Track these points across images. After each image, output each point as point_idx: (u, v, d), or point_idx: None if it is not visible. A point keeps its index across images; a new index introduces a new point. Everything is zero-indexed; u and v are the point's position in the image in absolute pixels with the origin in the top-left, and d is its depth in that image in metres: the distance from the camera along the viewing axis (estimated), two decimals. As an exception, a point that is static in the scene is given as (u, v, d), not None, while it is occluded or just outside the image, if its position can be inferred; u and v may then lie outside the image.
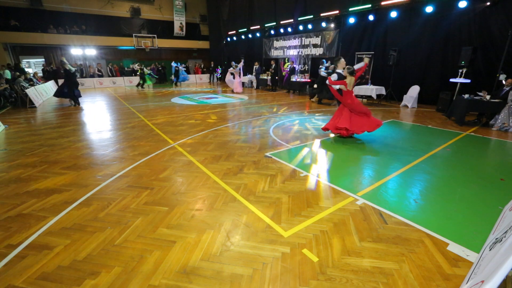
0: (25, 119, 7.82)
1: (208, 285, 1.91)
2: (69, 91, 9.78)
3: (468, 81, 7.56)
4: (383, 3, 9.75)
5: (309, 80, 12.87)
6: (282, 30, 14.67)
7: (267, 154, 4.58)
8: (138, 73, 17.37)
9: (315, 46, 13.10)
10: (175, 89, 16.13)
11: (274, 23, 15.00)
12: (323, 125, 5.76)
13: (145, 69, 16.72)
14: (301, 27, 13.62)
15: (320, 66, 10.17)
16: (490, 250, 1.82)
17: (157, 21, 21.13)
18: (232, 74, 13.98)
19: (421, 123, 6.88)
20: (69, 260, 2.15)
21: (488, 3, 7.58)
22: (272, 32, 15.58)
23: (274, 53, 15.88)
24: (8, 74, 11.33)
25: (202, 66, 23.25)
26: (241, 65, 13.71)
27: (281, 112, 8.41)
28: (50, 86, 13.56)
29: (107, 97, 12.61)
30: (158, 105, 10.11)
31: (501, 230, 2.02)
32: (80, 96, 10.38)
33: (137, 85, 17.17)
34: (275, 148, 4.89)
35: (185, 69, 19.25)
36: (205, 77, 21.62)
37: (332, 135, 5.62)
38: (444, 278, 1.95)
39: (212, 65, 20.68)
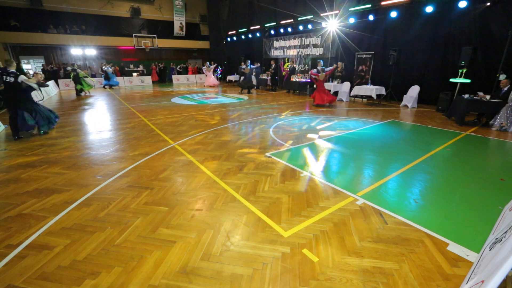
0: (25, 119, 7.81)
1: (208, 285, 1.91)
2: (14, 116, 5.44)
3: (468, 81, 7.56)
4: (383, 3, 9.75)
5: (309, 80, 12.88)
6: (282, 30, 14.67)
7: (267, 154, 4.58)
8: (71, 77, 13.45)
9: (315, 46, 13.10)
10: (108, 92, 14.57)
11: (274, 23, 14.99)
12: (322, 125, 5.80)
13: (80, 72, 13.40)
14: (301, 27, 13.62)
15: (244, 65, 13.85)
16: (490, 250, 1.82)
17: (157, 21, 21.14)
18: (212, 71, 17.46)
19: (421, 123, 6.88)
20: (69, 260, 2.15)
21: (488, 4, 7.57)
22: (272, 32, 15.57)
23: (274, 53, 15.88)
24: None
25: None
26: (213, 66, 17.37)
27: (281, 113, 8.41)
28: (50, 86, 13.56)
29: (107, 97, 12.61)
30: (158, 105, 10.11)
31: (501, 230, 2.02)
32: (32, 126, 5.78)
33: (77, 93, 13.43)
34: (275, 148, 4.89)
35: (111, 70, 16.86)
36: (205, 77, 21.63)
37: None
38: (444, 278, 1.95)
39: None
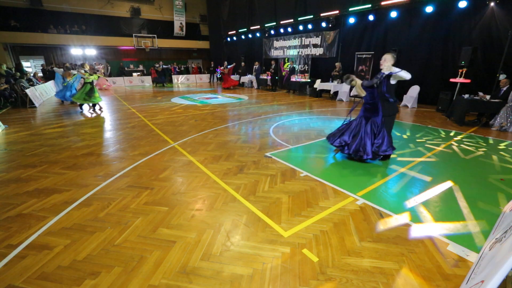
0: (25, 119, 7.82)
1: (208, 285, 1.91)
2: None
3: (468, 81, 7.56)
4: (383, 3, 9.75)
5: (309, 80, 12.89)
6: (282, 30, 14.66)
7: (267, 154, 4.57)
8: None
9: (315, 46, 13.10)
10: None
11: (274, 23, 14.99)
12: (322, 125, 5.82)
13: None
14: (301, 27, 13.61)
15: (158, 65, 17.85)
16: (490, 250, 1.82)
17: (157, 21, 21.13)
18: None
19: (421, 123, 6.88)
20: (69, 260, 2.15)
21: (492, 3, 7.55)
22: (272, 32, 15.57)
23: (274, 53, 15.87)
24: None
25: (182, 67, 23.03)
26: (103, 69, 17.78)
27: (281, 112, 8.41)
28: (50, 86, 13.56)
29: (107, 97, 12.61)
30: (158, 105, 10.11)
31: (501, 230, 2.02)
32: None
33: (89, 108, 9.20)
34: (275, 148, 4.89)
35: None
36: (205, 77, 21.64)
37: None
38: (444, 278, 1.95)
39: (212, 65, 20.67)
